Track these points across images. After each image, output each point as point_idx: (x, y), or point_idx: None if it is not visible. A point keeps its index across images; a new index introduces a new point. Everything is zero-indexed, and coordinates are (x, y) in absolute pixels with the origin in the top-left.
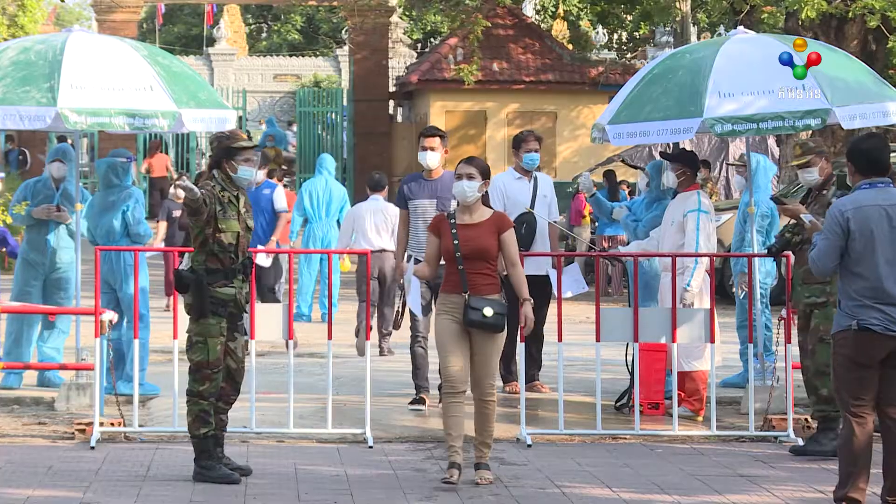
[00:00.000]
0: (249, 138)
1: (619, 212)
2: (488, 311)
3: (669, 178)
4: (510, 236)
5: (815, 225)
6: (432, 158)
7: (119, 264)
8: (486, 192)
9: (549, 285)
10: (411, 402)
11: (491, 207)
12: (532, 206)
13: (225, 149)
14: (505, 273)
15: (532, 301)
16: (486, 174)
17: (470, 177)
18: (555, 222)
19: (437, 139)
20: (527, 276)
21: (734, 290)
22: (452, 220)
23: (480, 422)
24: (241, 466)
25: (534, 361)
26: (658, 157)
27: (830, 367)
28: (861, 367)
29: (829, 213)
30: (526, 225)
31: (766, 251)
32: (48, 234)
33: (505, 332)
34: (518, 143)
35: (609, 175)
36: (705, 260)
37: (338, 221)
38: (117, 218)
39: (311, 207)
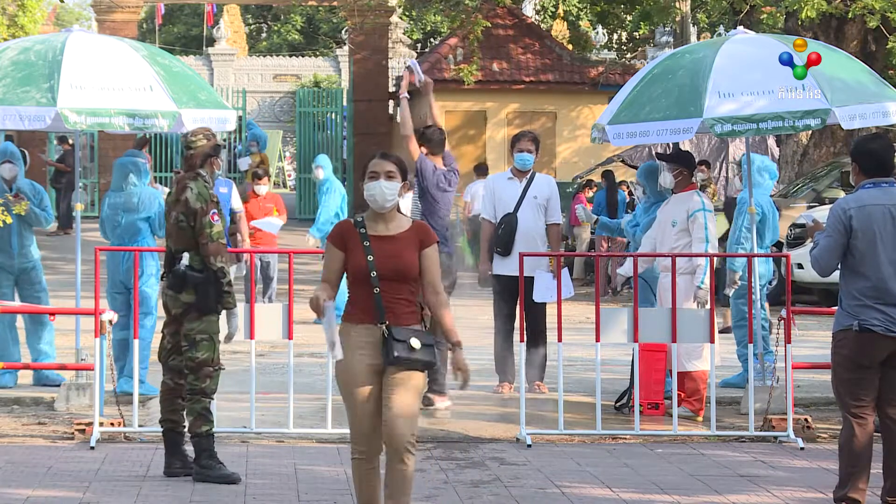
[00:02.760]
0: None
1: (625, 220)
2: (415, 343)
3: (666, 179)
4: (433, 253)
5: (817, 224)
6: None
7: (141, 265)
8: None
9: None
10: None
11: (405, 216)
12: (518, 207)
13: (214, 146)
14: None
15: (461, 344)
16: (405, 173)
17: (390, 176)
18: (557, 224)
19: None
20: (506, 276)
21: (724, 290)
22: (363, 231)
23: (395, 487)
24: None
25: (534, 363)
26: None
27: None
28: (861, 368)
29: (832, 212)
30: (504, 226)
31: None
32: (12, 235)
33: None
34: (513, 143)
35: (608, 175)
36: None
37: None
38: (144, 219)
39: (341, 211)
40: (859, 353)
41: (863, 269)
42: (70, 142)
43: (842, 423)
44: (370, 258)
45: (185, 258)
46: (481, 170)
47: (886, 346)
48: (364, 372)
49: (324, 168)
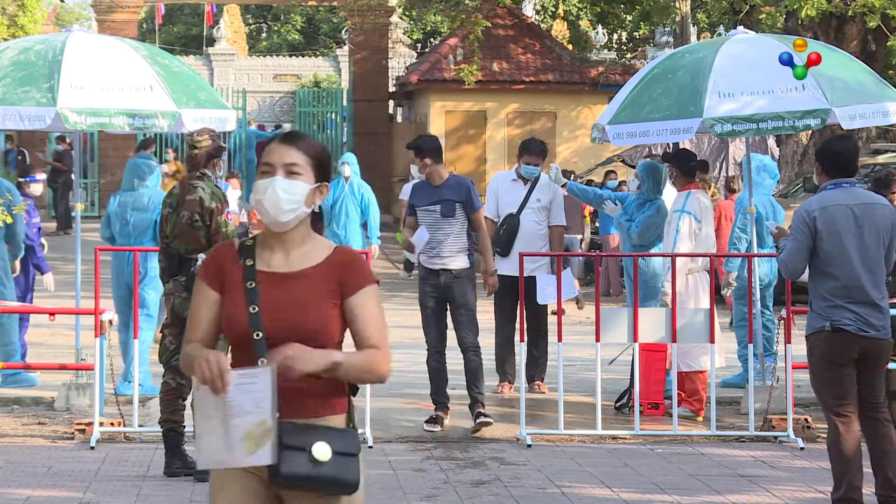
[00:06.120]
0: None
1: (612, 208)
2: (321, 451)
3: (668, 178)
4: (369, 299)
5: (781, 231)
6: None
7: (144, 265)
8: (320, 207)
9: (534, 287)
10: (427, 422)
11: (320, 233)
12: (521, 209)
13: (217, 147)
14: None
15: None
16: (324, 169)
17: (290, 171)
18: (560, 226)
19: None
20: (506, 276)
21: (723, 290)
22: (249, 263)
23: None
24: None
25: (535, 363)
26: (652, 158)
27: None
28: (838, 366)
29: (796, 214)
30: (506, 227)
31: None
32: None
33: (362, 494)
34: (521, 152)
35: (608, 175)
36: (680, 261)
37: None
38: (153, 219)
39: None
40: (832, 352)
41: (831, 270)
42: (68, 141)
43: (827, 425)
44: (253, 309)
45: (202, 259)
46: None
47: (859, 344)
48: (248, 498)
49: (350, 165)
